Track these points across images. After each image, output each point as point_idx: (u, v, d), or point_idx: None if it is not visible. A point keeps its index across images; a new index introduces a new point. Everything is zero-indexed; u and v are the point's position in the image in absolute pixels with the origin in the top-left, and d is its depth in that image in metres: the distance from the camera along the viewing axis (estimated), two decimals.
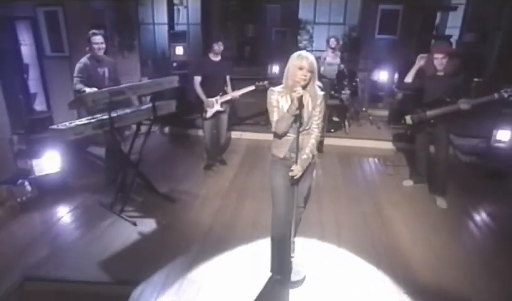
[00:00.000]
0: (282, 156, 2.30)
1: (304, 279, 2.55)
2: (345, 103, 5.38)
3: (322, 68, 6.21)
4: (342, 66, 5.93)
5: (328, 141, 5.31)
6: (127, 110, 3.21)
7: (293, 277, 2.49)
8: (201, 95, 4.03)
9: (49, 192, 3.59)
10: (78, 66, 3.34)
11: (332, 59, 6.14)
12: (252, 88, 3.96)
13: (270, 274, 2.55)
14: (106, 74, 3.51)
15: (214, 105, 4.10)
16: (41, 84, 4.83)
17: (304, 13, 8.09)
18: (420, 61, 3.52)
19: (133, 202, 3.54)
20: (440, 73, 3.41)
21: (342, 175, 4.38)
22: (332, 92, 5.38)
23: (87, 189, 3.77)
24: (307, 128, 2.26)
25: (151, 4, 6.67)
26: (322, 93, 2.30)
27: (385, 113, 6.25)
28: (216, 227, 3.19)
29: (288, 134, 2.26)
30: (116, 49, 5.52)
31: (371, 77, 6.67)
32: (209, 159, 4.45)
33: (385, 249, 2.92)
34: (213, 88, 4.06)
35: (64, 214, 3.36)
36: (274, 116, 2.24)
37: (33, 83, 4.79)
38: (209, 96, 4.05)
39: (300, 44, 8.07)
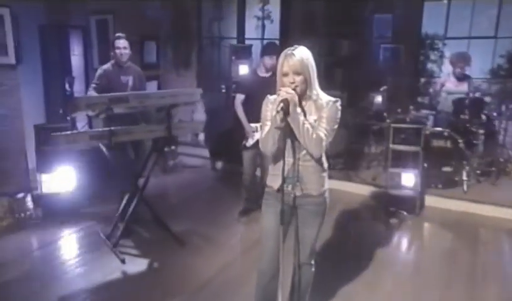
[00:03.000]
0: (276, 188, 2.32)
1: None
2: (460, 146, 4.90)
3: (438, 98, 5.88)
4: (471, 95, 5.49)
5: (431, 200, 4.89)
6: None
7: None
8: (241, 117, 4.29)
9: (54, 213, 4.27)
10: (98, 71, 4.05)
11: (456, 86, 5.76)
12: None
13: None
14: (130, 83, 4.13)
15: (258, 131, 4.29)
16: None
17: (430, 25, 7.86)
18: None
19: (136, 236, 3.97)
20: None
21: (438, 250, 3.95)
22: (445, 133, 4.99)
23: (98, 216, 4.35)
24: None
25: (218, 14, 7.54)
26: (335, 99, 2.27)
27: None
28: (216, 283, 3.28)
29: (288, 159, 2.24)
30: (170, 65, 6.37)
31: None
32: (248, 202, 4.57)
33: None
34: (257, 110, 4.26)
35: (56, 239, 3.95)
36: (264, 131, 2.30)
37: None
38: (252, 120, 4.27)
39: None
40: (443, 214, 4.69)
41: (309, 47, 2.24)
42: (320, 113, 2.22)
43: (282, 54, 2.20)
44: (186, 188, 5.54)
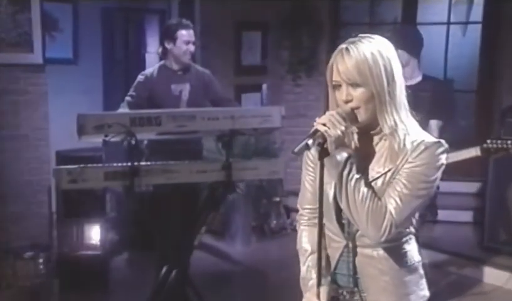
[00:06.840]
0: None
1: None
2: None
3: None
4: None
5: None
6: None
7: None
8: None
9: (73, 283, 4.43)
10: (137, 78, 4.13)
11: None
12: (474, 153, 3.71)
13: None
14: (185, 95, 4.14)
15: None
16: None
17: None
18: None
19: None
20: None
21: None
22: None
23: (131, 291, 4.47)
24: None
25: None
26: (435, 139, 1.82)
27: None
28: None
29: (335, 238, 1.98)
30: (283, 69, 6.31)
31: None
32: None
33: None
34: None
35: None
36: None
37: None
38: None
39: None
40: None
41: None
42: (398, 161, 1.80)
43: (336, 51, 1.86)
44: (288, 264, 5.34)
